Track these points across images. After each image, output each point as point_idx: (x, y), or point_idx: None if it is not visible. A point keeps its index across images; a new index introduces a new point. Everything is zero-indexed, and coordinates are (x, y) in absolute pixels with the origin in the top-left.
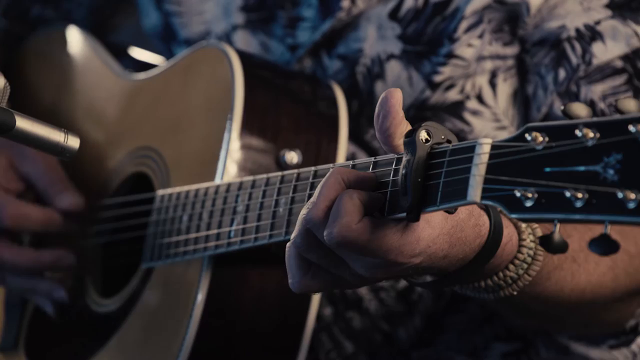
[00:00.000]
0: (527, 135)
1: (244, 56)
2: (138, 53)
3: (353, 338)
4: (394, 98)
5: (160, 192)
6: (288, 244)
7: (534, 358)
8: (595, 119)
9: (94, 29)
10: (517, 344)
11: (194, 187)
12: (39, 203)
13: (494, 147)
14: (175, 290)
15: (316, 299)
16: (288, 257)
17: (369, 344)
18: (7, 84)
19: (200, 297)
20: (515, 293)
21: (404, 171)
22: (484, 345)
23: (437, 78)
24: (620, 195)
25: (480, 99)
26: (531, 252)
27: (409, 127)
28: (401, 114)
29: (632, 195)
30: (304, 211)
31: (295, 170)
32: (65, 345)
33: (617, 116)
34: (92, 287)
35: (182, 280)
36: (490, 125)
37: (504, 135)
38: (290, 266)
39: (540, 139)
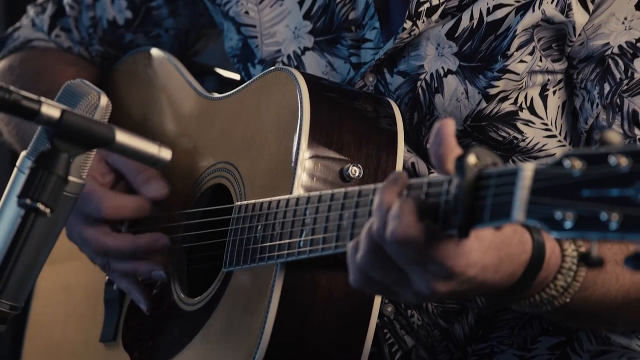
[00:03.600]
0: (565, 162)
1: (310, 79)
2: (218, 72)
3: (413, 333)
4: (447, 127)
5: (238, 203)
6: (351, 265)
7: (578, 349)
8: (627, 147)
9: (179, 53)
10: (563, 337)
11: (267, 199)
12: (129, 193)
13: (536, 172)
14: (252, 292)
15: (378, 298)
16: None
17: (427, 339)
18: (109, 102)
19: (275, 298)
20: (568, 300)
21: (455, 191)
22: (532, 339)
23: (492, 91)
24: None
25: (531, 109)
26: (575, 260)
27: (460, 152)
28: (453, 142)
29: None
30: (366, 226)
31: (357, 187)
32: (156, 338)
33: None
34: (179, 287)
35: (258, 283)
36: (541, 134)
37: (553, 143)
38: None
39: (578, 164)
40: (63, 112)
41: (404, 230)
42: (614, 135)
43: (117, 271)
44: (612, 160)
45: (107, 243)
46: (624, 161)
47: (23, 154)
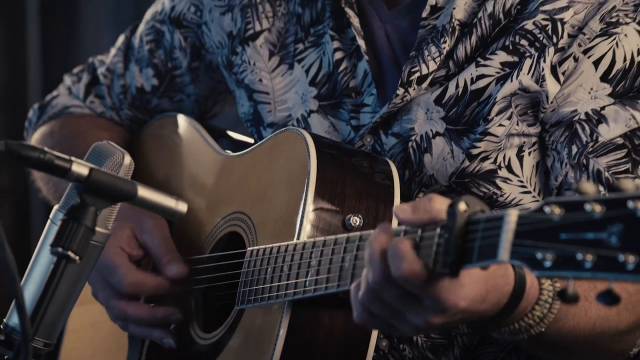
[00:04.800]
0: (546, 208)
1: (316, 138)
2: (233, 134)
3: None
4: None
5: (250, 248)
6: (355, 302)
7: None
8: (601, 196)
9: (199, 115)
10: None
11: (276, 245)
12: (154, 267)
13: (520, 217)
14: (262, 327)
15: (375, 334)
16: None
17: None
18: (132, 161)
19: (282, 333)
20: (543, 329)
21: (446, 235)
22: None
23: (474, 151)
24: (621, 258)
25: (509, 168)
26: (551, 294)
27: (445, 199)
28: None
29: (632, 259)
30: (364, 274)
31: (358, 233)
32: None
33: (618, 194)
34: (196, 323)
35: (267, 320)
36: (517, 190)
37: (528, 198)
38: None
39: (557, 211)
40: (91, 170)
41: (409, 266)
42: (589, 186)
43: (134, 332)
44: (588, 207)
45: (128, 312)
46: (598, 208)
47: (56, 207)
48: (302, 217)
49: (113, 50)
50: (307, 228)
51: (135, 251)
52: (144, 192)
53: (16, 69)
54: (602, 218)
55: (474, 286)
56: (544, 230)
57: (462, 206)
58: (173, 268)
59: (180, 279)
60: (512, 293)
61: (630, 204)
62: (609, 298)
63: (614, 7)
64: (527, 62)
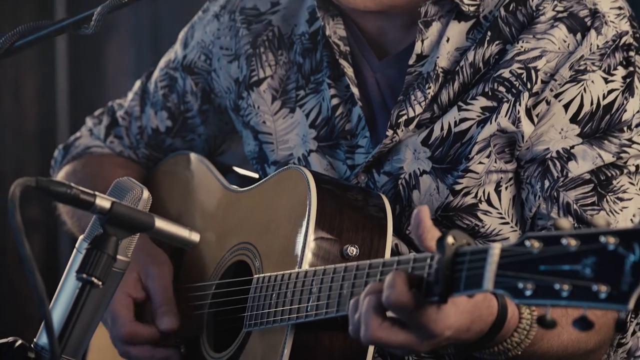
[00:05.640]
0: (526, 242)
1: (316, 175)
2: (240, 171)
3: None
4: (422, 213)
5: (256, 276)
6: (352, 321)
7: None
8: (576, 231)
9: (209, 153)
10: None
11: (280, 273)
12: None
13: (503, 250)
14: (267, 348)
15: (370, 351)
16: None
17: None
18: (150, 195)
19: (286, 352)
20: (519, 353)
21: (436, 266)
22: None
23: (457, 187)
24: (595, 288)
25: (489, 202)
26: (529, 322)
27: (437, 231)
28: (429, 223)
29: (604, 288)
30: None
31: (355, 263)
32: None
33: (591, 229)
34: (208, 343)
35: (272, 341)
36: (497, 221)
37: (507, 229)
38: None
39: (537, 245)
40: (113, 203)
41: (397, 296)
42: (565, 222)
43: None
44: (564, 241)
45: (131, 352)
46: (573, 242)
47: (81, 237)
48: (304, 247)
49: (130, 95)
50: (308, 257)
51: (139, 294)
52: (160, 223)
53: (47, 113)
54: (577, 251)
55: (460, 317)
56: (525, 262)
57: (450, 239)
58: (165, 320)
59: (171, 331)
60: (495, 322)
61: (603, 238)
62: (583, 324)
63: (582, 56)
64: (505, 107)
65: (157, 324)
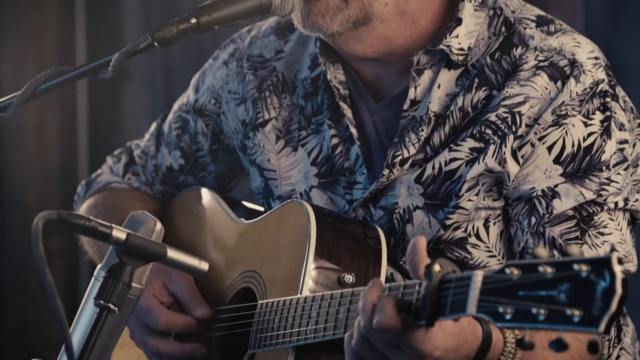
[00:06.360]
0: (507, 270)
1: (316, 209)
2: (247, 204)
3: None
4: (419, 243)
5: (260, 301)
6: (348, 349)
7: None
8: (551, 260)
9: (219, 189)
10: None
11: (283, 298)
12: (182, 311)
13: (485, 277)
14: None
15: None
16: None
17: None
18: (162, 227)
19: None
20: None
21: (424, 292)
22: None
23: (448, 222)
24: (568, 312)
25: (477, 236)
26: (513, 345)
27: (429, 261)
28: (424, 254)
29: (577, 312)
30: (357, 321)
31: (351, 289)
32: None
33: (566, 258)
34: None
35: None
36: (485, 254)
37: (494, 261)
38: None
39: (516, 272)
40: (128, 235)
41: (386, 320)
42: (542, 251)
43: None
44: (541, 269)
45: (161, 348)
46: (549, 270)
47: (98, 266)
48: (304, 274)
49: (147, 135)
50: (308, 284)
51: (166, 299)
52: (172, 253)
53: (68, 151)
54: (552, 278)
55: (448, 339)
56: (505, 288)
57: (436, 267)
58: (199, 310)
59: (205, 318)
60: (480, 347)
61: (576, 266)
62: (558, 345)
63: (563, 102)
64: (492, 148)
65: (193, 313)
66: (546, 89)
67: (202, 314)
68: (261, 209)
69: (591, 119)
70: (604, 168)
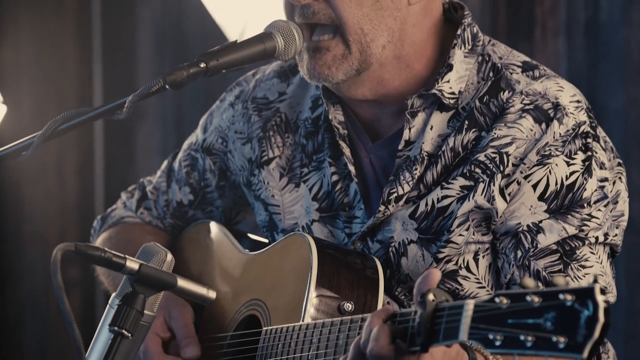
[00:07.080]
0: (496, 299)
1: (317, 241)
2: (253, 236)
3: None
4: (434, 276)
5: (265, 328)
6: None
7: None
8: (538, 289)
9: (226, 222)
10: None
11: (286, 325)
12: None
13: (476, 305)
14: None
15: None
16: None
17: None
18: (173, 258)
19: None
20: None
21: (418, 320)
22: None
23: (440, 255)
24: (554, 339)
25: (468, 269)
26: None
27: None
28: (434, 286)
29: (562, 339)
30: (354, 342)
31: (349, 317)
32: None
33: (552, 288)
34: None
35: None
36: (475, 286)
37: (483, 292)
38: None
39: (505, 301)
40: (140, 265)
41: (378, 350)
42: (530, 282)
43: None
44: (528, 298)
45: None
46: (536, 299)
47: (113, 295)
48: (306, 303)
49: (158, 172)
50: (310, 311)
51: (166, 334)
52: (182, 282)
53: (85, 187)
54: (539, 307)
55: None
56: (495, 317)
57: (430, 296)
58: (188, 350)
59: (194, 359)
60: None
61: (561, 296)
62: None
63: (547, 142)
64: (481, 186)
65: (182, 354)
66: (531, 130)
67: (190, 354)
68: (266, 240)
69: (573, 158)
70: (585, 205)
